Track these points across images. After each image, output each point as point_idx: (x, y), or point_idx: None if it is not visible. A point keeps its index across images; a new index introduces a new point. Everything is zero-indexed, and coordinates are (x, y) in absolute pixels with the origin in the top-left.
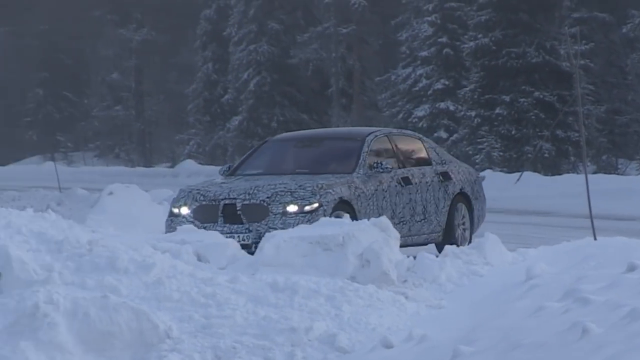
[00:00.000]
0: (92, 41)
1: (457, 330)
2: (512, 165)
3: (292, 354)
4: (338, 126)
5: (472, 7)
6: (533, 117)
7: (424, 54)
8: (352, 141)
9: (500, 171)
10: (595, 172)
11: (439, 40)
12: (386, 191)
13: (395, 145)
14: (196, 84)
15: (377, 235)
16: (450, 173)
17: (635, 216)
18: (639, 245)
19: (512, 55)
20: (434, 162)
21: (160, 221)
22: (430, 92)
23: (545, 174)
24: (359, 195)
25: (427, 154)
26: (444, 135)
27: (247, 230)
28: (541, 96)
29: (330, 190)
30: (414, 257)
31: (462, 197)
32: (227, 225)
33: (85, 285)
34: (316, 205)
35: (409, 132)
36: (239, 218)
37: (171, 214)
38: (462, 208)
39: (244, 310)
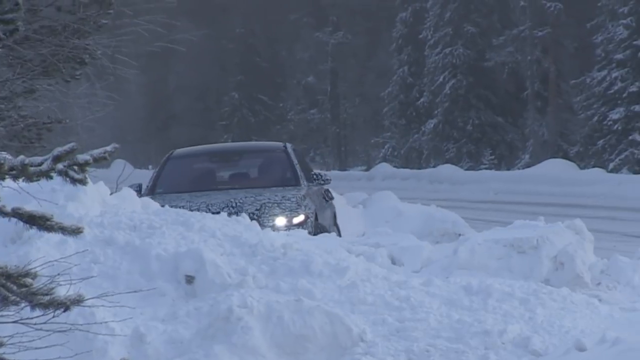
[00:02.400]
0: (288, 44)
1: None
2: None
3: (486, 357)
4: (534, 129)
5: None
6: None
7: (619, 56)
8: (275, 153)
9: None
10: None
11: (634, 43)
12: (327, 208)
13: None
14: (392, 87)
15: (571, 237)
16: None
17: None
18: None
19: None
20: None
21: (355, 224)
22: (625, 94)
23: None
24: (317, 208)
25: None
26: (638, 138)
27: None
28: None
29: (308, 202)
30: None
31: None
32: None
33: (279, 288)
34: (302, 217)
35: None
36: None
37: None
38: None
39: (438, 313)
